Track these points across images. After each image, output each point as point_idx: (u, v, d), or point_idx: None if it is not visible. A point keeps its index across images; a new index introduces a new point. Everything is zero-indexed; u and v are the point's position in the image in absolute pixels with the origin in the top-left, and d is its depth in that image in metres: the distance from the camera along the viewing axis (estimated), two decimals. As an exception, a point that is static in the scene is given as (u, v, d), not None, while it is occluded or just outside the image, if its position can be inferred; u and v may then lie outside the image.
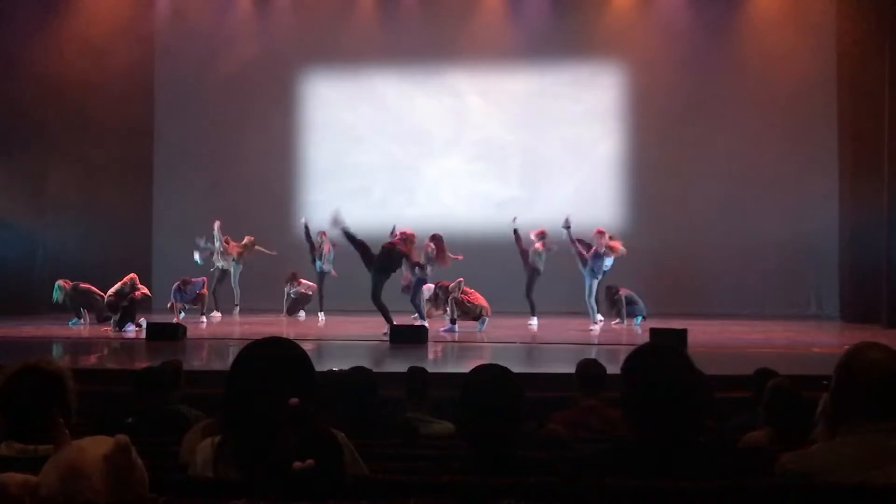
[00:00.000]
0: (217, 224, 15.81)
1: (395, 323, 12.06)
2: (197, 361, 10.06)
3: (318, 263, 15.74)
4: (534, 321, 14.21)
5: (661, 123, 17.56)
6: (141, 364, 7.36)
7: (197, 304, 15.24)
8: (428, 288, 13.65)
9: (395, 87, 18.65)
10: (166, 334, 11.68)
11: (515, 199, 18.04)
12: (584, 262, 13.82)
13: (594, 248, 13.77)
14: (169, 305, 15.22)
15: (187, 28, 18.28)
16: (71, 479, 2.10)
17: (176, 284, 15.13)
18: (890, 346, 2.80)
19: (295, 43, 18.42)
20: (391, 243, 12.65)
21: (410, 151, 18.63)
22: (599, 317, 14.28)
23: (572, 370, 5.71)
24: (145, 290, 14.05)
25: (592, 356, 6.01)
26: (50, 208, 16.89)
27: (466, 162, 18.56)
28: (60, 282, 14.29)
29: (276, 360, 2.65)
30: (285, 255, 16.42)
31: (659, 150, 17.59)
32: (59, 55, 16.16)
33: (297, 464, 2.23)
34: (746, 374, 6.32)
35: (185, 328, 12.01)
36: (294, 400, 2.39)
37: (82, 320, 14.23)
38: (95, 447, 2.15)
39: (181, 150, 18.37)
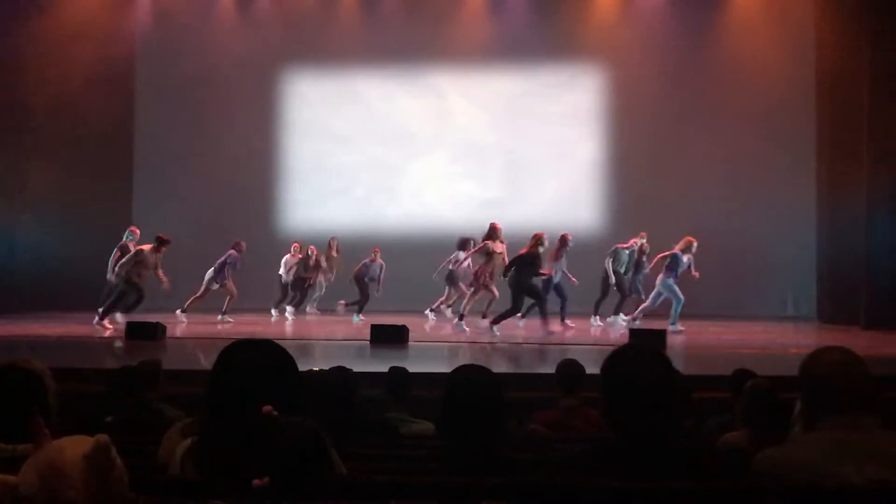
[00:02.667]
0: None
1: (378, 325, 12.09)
2: (176, 360, 10.00)
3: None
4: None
5: (642, 125, 17.64)
6: (119, 363, 7.32)
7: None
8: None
9: (378, 88, 18.65)
10: (145, 333, 11.62)
11: (497, 199, 18.08)
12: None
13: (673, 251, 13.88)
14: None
15: (168, 27, 18.22)
16: (51, 478, 2.09)
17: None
18: (852, 348, 2.91)
19: (277, 42, 18.38)
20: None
21: (393, 152, 18.63)
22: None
23: (552, 370, 5.73)
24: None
25: (572, 356, 6.02)
26: (30, 207, 16.75)
27: (449, 162, 18.58)
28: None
29: (260, 362, 2.64)
30: (266, 254, 16.39)
31: (639, 152, 17.67)
32: (39, 54, 16.06)
33: (256, 481, 2.22)
34: (724, 375, 6.36)
35: (164, 327, 11.95)
36: (268, 408, 2.38)
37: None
38: (75, 447, 2.14)
39: (162, 148, 18.30)
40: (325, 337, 12.96)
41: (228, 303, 14.93)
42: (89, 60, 16.36)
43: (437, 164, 18.60)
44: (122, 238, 14.18)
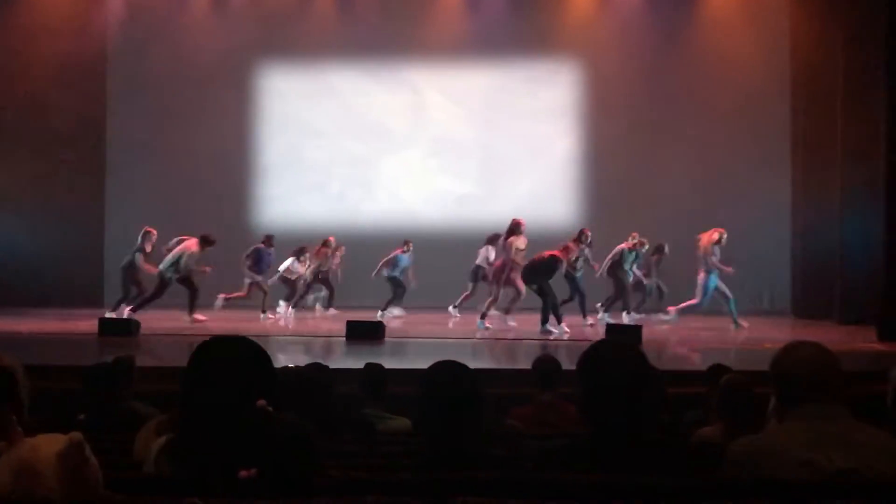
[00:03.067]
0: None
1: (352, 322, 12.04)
2: (150, 358, 9.94)
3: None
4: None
5: (618, 121, 17.69)
6: (93, 360, 7.25)
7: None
8: None
9: (353, 82, 18.58)
10: (119, 330, 11.55)
11: (473, 195, 18.10)
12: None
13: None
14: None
15: (141, 21, 18.05)
16: (25, 476, 2.07)
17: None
18: (825, 343, 2.95)
19: (251, 37, 18.25)
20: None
21: (368, 146, 18.58)
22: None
23: (529, 366, 5.74)
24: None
25: (549, 352, 6.04)
26: (1, 203, 16.60)
27: (424, 157, 18.56)
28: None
29: (234, 359, 2.63)
30: (239, 250, 16.29)
31: (615, 148, 17.72)
32: (10, 49, 15.90)
33: (243, 472, 2.22)
34: (700, 370, 6.39)
35: (138, 324, 11.87)
36: (262, 402, 2.38)
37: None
38: (49, 444, 2.13)
39: (134, 143, 18.12)
40: (302, 333, 12.92)
41: (266, 299, 15.00)
42: (61, 54, 16.21)
43: (412, 160, 18.58)
44: (137, 241, 14.05)
